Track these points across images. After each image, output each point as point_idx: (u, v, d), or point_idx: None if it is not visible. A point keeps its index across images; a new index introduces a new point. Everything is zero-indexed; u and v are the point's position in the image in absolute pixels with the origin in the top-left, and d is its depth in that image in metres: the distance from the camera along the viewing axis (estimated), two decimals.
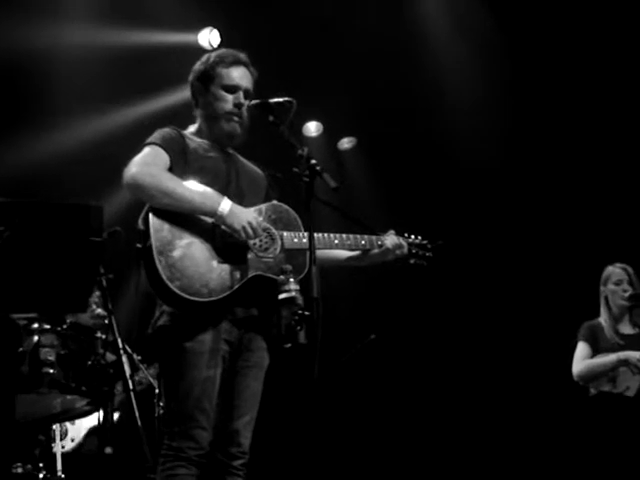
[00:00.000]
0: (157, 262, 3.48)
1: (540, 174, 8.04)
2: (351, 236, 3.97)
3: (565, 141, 7.89)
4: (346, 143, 8.80)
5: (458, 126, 7.97)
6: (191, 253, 3.56)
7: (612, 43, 7.32)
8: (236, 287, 3.59)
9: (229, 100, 3.85)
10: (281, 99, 3.74)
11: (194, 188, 3.65)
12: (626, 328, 6.07)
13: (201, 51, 6.82)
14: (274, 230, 3.75)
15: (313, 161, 3.45)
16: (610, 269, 6.14)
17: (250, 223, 3.62)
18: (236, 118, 3.85)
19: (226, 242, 3.63)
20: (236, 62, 3.91)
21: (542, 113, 7.84)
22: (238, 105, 3.84)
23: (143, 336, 3.78)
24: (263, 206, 3.83)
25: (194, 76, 3.96)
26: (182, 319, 3.60)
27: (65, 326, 4.79)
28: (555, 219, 8.03)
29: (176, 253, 3.53)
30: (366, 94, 7.84)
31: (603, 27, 7.27)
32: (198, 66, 3.96)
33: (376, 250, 4.05)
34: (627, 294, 5.99)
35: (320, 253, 3.82)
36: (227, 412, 3.71)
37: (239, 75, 3.89)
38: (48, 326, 4.74)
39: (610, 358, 5.89)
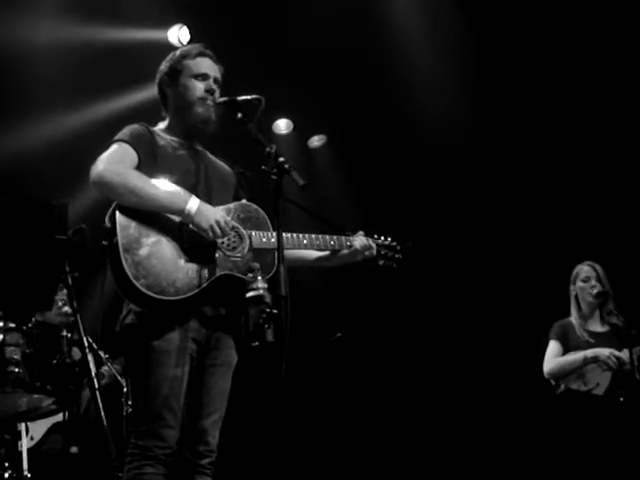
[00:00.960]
0: (123, 260, 3.46)
1: (511, 174, 8.06)
2: (320, 236, 3.97)
3: (536, 141, 7.92)
4: (316, 141, 8.79)
5: (429, 125, 7.98)
6: (158, 251, 3.53)
7: (585, 41, 7.34)
8: (203, 286, 3.57)
9: (200, 87, 3.85)
10: (249, 96, 3.74)
11: (162, 186, 3.63)
12: (596, 326, 6.11)
13: (171, 48, 6.78)
14: (242, 229, 3.74)
15: (281, 159, 3.44)
16: (578, 267, 6.19)
17: (218, 222, 3.60)
18: (210, 102, 3.84)
19: (194, 241, 3.61)
20: (202, 54, 3.94)
21: (513, 113, 7.86)
22: (210, 91, 3.85)
23: (110, 333, 3.75)
24: (232, 205, 3.82)
25: (161, 73, 3.96)
26: (149, 317, 3.58)
27: (30, 325, 4.75)
28: (526, 219, 8.06)
29: (143, 251, 3.50)
30: (336, 92, 7.83)
31: (577, 26, 7.29)
32: (164, 64, 3.97)
33: (345, 251, 4.05)
34: (594, 291, 6.02)
35: (289, 253, 3.85)
36: (195, 411, 3.69)
37: (207, 65, 3.91)
38: (13, 325, 4.71)
39: (580, 355, 5.93)
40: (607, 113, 7.62)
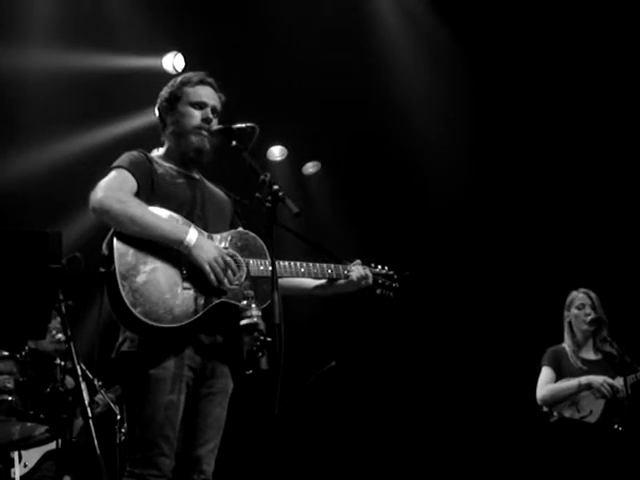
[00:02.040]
0: (121, 287, 3.44)
1: (506, 200, 8.09)
2: (317, 265, 3.97)
3: (530, 167, 7.96)
4: (310, 167, 8.81)
5: (424, 151, 8.03)
6: (155, 279, 3.52)
7: (577, 65, 7.41)
8: (200, 314, 3.56)
9: (197, 116, 3.85)
10: (244, 125, 3.75)
11: (162, 216, 3.63)
12: (589, 354, 6.11)
13: (166, 75, 6.82)
14: (240, 257, 3.74)
15: (275, 187, 3.45)
16: (573, 294, 6.19)
17: (216, 259, 3.61)
18: (205, 132, 3.84)
19: (192, 268, 3.60)
20: (202, 82, 3.94)
21: (507, 139, 7.90)
22: (207, 120, 3.85)
23: (106, 360, 3.74)
24: (230, 233, 3.82)
25: (161, 99, 3.96)
26: (146, 345, 3.57)
27: (24, 353, 4.75)
28: (521, 245, 8.08)
29: (140, 278, 3.49)
30: (330, 119, 7.86)
31: (567, 50, 7.35)
32: (165, 89, 3.97)
33: (342, 280, 4.05)
34: (589, 318, 6.03)
35: (286, 281, 3.87)
36: (190, 439, 3.67)
37: (206, 93, 3.91)
38: (6, 353, 4.70)
39: (573, 382, 5.94)
40: (598, 139, 7.66)
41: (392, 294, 4.24)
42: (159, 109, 3.97)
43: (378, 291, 4.21)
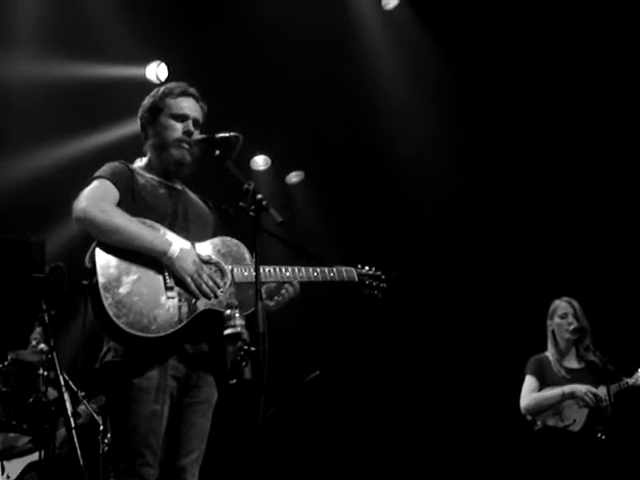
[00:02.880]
0: (104, 299, 3.43)
1: (489, 210, 8.11)
2: (303, 268, 3.94)
3: (514, 176, 7.98)
4: (294, 177, 8.82)
5: (407, 158, 8.03)
6: (138, 289, 3.51)
7: (556, 59, 7.44)
8: (185, 322, 3.55)
9: (178, 128, 3.84)
10: (227, 134, 3.74)
11: (145, 226, 3.62)
12: (573, 362, 6.13)
13: (149, 84, 6.82)
14: (224, 264, 3.73)
15: (259, 196, 3.44)
16: (556, 303, 6.21)
17: (197, 272, 3.61)
18: (185, 145, 3.83)
19: (175, 277, 3.59)
20: (184, 93, 3.93)
21: (490, 150, 7.93)
22: (187, 133, 3.84)
23: (90, 370, 3.72)
24: (212, 241, 3.81)
25: (143, 109, 3.95)
26: (129, 355, 3.55)
27: (6, 363, 4.72)
28: (504, 254, 8.09)
29: (123, 289, 3.48)
30: (314, 129, 7.87)
31: (553, 67, 7.40)
32: (147, 99, 3.96)
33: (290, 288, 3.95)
34: (572, 327, 6.04)
35: None
36: (174, 449, 3.66)
37: (188, 105, 3.90)
38: None
39: (557, 391, 5.95)
40: (583, 146, 7.70)
41: (380, 294, 4.22)
42: (141, 119, 3.96)
43: (366, 292, 4.19)
